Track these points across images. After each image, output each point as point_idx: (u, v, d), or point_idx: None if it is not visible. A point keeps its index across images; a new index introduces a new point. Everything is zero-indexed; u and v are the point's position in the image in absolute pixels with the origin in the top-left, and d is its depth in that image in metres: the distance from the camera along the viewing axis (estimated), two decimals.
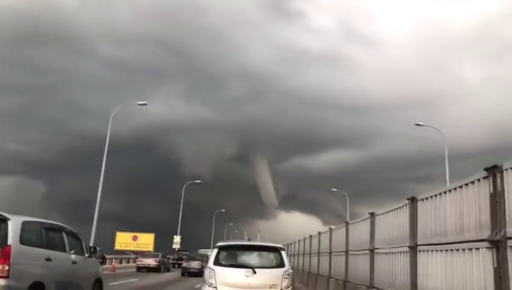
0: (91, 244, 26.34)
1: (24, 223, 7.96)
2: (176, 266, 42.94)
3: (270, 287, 9.13)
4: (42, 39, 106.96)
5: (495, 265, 4.70)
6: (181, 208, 59.53)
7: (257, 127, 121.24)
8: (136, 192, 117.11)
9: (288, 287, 9.29)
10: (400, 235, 8.18)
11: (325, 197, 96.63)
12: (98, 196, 31.15)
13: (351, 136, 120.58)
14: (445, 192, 6.30)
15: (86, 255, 10.27)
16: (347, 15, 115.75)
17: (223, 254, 9.70)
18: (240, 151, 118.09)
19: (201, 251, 45.42)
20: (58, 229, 9.39)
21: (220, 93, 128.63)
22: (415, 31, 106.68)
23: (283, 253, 9.78)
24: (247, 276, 9.06)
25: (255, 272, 9.11)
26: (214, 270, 9.25)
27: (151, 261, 35.36)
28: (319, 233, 18.95)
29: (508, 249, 4.56)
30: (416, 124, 33.51)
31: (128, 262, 47.69)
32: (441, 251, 6.21)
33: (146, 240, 63.45)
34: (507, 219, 4.63)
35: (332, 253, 15.16)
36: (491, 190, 4.90)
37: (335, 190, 59.68)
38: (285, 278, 9.27)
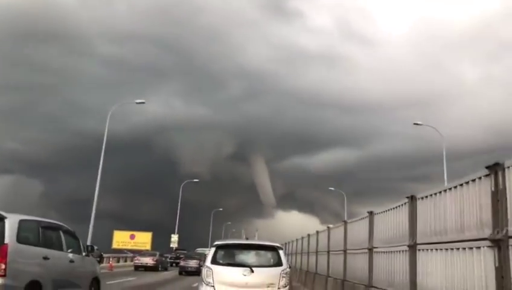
0: (88, 243, 26.30)
1: (21, 222, 7.92)
2: (174, 265, 42.91)
3: (268, 286, 9.12)
4: (41, 38, 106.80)
5: (496, 264, 4.65)
6: (179, 207, 59.50)
7: (255, 126, 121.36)
8: (134, 191, 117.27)
9: (285, 286, 9.28)
10: (399, 234, 8.15)
11: (323, 197, 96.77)
12: (95, 195, 31.09)
13: (349, 135, 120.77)
14: (445, 190, 6.24)
15: (84, 254, 10.24)
16: (345, 14, 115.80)
17: (221, 252, 9.70)
18: (238, 150, 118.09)
19: (199, 250, 45.40)
20: (55, 228, 9.34)
21: (219, 92, 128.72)
22: (413, 31, 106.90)
23: (281, 252, 9.79)
24: (245, 275, 9.06)
25: (252, 271, 9.11)
26: (211, 269, 9.23)
27: (148, 260, 35.31)
28: (317, 232, 18.92)
29: (510, 248, 4.52)
30: (414, 124, 33.56)
31: (125, 261, 47.61)
32: (441, 249, 6.17)
33: (143, 239, 63.41)
34: (509, 217, 4.58)
35: (331, 252, 15.13)
36: (493, 188, 4.85)
37: (332, 189, 59.77)
38: (283, 277, 9.27)
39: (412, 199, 7.55)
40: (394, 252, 8.33)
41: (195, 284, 15.93)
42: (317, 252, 18.32)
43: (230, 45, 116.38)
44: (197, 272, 26.81)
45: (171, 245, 59.94)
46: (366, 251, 10.18)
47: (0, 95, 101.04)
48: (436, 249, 6.35)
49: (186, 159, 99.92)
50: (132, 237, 64.19)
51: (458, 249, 5.61)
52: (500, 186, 4.72)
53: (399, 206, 8.27)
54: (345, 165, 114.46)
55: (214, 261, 9.41)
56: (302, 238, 23.62)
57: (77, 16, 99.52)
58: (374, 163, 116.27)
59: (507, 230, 4.56)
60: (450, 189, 6.07)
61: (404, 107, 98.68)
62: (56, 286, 8.52)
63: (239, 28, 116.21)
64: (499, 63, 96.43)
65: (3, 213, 7.72)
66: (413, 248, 7.31)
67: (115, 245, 62.12)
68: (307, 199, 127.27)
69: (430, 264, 6.55)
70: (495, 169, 4.82)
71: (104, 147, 31.87)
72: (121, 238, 63.90)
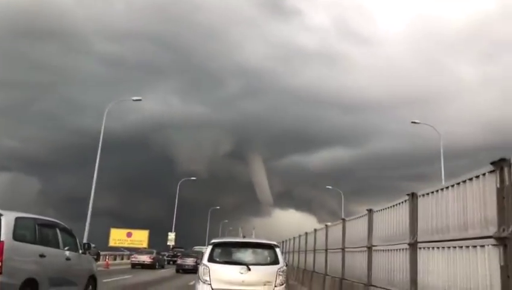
0: (85, 240, 26.19)
1: (17, 219, 7.85)
2: (171, 262, 42.85)
3: (264, 284, 9.15)
4: (38, 35, 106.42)
5: (502, 263, 4.55)
6: (176, 205, 59.41)
7: (253, 124, 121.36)
8: (131, 189, 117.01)
9: (282, 284, 9.32)
10: (399, 232, 8.08)
11: (320, 195, 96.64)
12: (91, 192, 31.00)
13: (347, 133, 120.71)
14: (447, 187, 6.14)
15: (80, 251, 10.18)
16: (343, 12, 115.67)
17: (218, 250, 9.72)
18: (236, 149, 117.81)
19: (196, 248, 45.39)
20: (52, 226, 9.28)
21: (216, 90, 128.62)
22: (411, 29, 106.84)
23: (277, 250, 9.82)
24: (242, 273, 9.09)
25: (249, 269, 9.14)
26: (208, 267, 9.25)
27: (145, 258, 35.26)
28: (315, 230, 18.85)
29: None
30: (412, 122, 33.55)
31: (122, 259, 47.55)
32: (443, 248, 6.08)
33: (140, 237, 63.34)
34: None
35: (329, 250, 15.06)
36: (498, 185, 4.74)
37: (330, 187, 59.73)
38: (280, 275, 9.31)
39: (413, 196, 7.47)
40: (394, 250, 8.26)
41: (192, 282, 15.84)
42: (315, 250, 18.25)
43: (228, 42, 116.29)
44: (194, 270, 26.76)
45: (168, 243, 59.88)
46: (365, 249, 10.11)
47: None
48: (438, 248, 6.27)
49: (184, 157, 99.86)
50: (129, 235, 64.11)
51: (461, 247, 5.51)
52: (506, 183, 4.61)
53: (399, 203, 8.20)
54: (343, 164, 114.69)
55: (211, 259, 9.43)
56: (300, 236, 23.56)
57: (74, 14, 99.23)
58: (372, 161, 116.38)
59: None
60: (452, 186, 5.96)
61: (402, 105, 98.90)
62: (52, 283, 8.45)
63: (237, 25, 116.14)
64: (496, 61, 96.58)
65: (0, 210, 7.64)
66: (413, 246, 7.24)
67: (111, 243, 62.04)
68: (305, 197, 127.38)
69: (432, 262, 6.47)
70: (500, 165, 4.70)
71: (100, 144, 31.80)
72: (118, 236, 63.83)
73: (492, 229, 4.80)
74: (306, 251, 20.81)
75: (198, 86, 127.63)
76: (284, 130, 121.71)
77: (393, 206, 8.56)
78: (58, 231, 9.31)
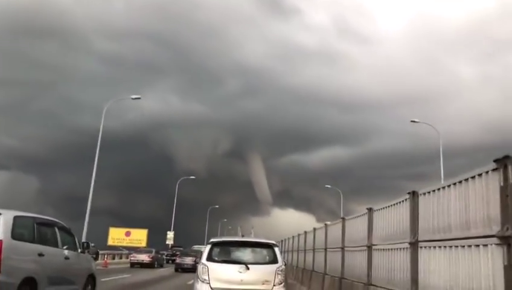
0: (83, 239, 26.14)
1: (16, 218, 7.83)
2: (170, 261, 42.83)
3: (263, 283, 9.17)
4: (38, 34, 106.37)
5: (505, 263, 4.48)
6: (175, 204, 59.46)
7: (252, 123, 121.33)
8: (130, 187, 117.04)
9: (281, 283, 9.33)
10: (400, 231, 8.03)
11: (319, 195, 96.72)
12: (90, 191, 30.95)
13: (347, 133, 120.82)
14: (449, 186, 6.08)
15: (79, 250, 10.15)
16: (343, 11, 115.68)
17: (216, 250, 9.73)
18: (235, 148, 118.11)
19: (195, 247, 45.36)
20: (50, 225, 9.25)
21: (216, 89, 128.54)
22: (411, 28, 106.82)
23: (276, 249, 9.83)
24: (240, 272, 9.10)
25: (248, 268, 9.16)
26: (207, 266, 9.25)
27: (144, 257, 35.25)
28: (314, 229, 18.81)
29: None
30: (412, 121, 33.55)
31: (120, 258, 47.49)
32: (445, 247, 6.02)
33: (139, 236, 63.29)
34: None
35: (328, 249, 15.02)
36: (502, 183, 4.67)
37: (329, 186, 59.73)
38: (278, 274, 9.32)
39: (414, 194, 7.41)
40: (394, 249, 8.22)
41: (191, 281, 15.78)
42: (314, 249, 18.21)
43: (227, 41, 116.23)
44: (192, 269, 26.71)
45: (167, 242, 59.92)
46: (365, 248, 10.07)
47: None
48: (440, 247, 6.21)
49: (183, 156, 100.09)
50: (128, 234, 64.06)
51: (463, 246, 5.45)
52: (510, 181, 4.55)
53: (400, 202, 8.15)
54: (342, 163, 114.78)
55: (210, 258, 9.45)
56: (299, 235, 23.51)
57: (74, 13, 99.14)
58: (371, 161, 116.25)
59: None
60: (454, 184, 5.90)
61: (402, 104, 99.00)
62: (51, 282, 8.43)
63: (236, 24, 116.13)
64: (496, 60, 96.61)
65: None
66: (414, 245, 7.19)
67: (110, 242, 62.00)
68: (304, 196, 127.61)
69: (433, 262, 6.42)
70: (504, 162, 4.64)
71: (99, 143, 31.77)
72: (117, 235, 63.79)
73: (495, 228, 4.74)
74: (305, 250, 20.77)
75: (198, 84, 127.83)
76: (284, 129, 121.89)
77: (394, 205, 8.51)
78: (57, 230, 9.28)
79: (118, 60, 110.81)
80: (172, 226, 60.61)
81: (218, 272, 9.17)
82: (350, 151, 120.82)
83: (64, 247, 9.37)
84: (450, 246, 5.85)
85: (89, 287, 10.56)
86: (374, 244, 9.62)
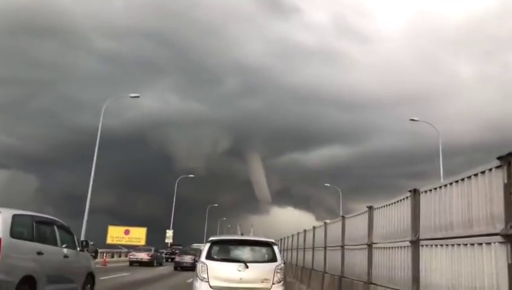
0: (82, 238, 26.09)
1: (14, 217, 7.80)
2: (169, 260, 42.82)
3: (262, 282, 9.18)
4: (37, 32, 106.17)
5: (509, 261, 4.42)
6: (174, 202, 59.44)
7: (252, 122, 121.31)
8: (129, 186, 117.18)
9: (280, 282, 9.34)
10: (401, 229, 7.99)
11: (319, 193, 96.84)
12: (89, 190, 30.89)
13: (346, 131, 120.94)
14: (450, 183, 6.01)
15: (78, 249, 10.12)
16: (342, 10, 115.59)
17: (216, 248, 9.74)
18: (234, 146, 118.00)
19: (195, 246, 45.34)
20: (49, 223, 9.22)
21: (215, 88, 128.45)
22: (410, 26, 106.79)
23: (275, 248, 9.84)
24: (239, 270, 9.11)
25: (247, 267, 9.16)
26: (206, 264, 9.25)
27: (144, 256, 35.25)
28: (314, 227, 18.78)
29: None
30: (411, 120, 33.51)
31: (119, 256, 47.44)
32: (446, 245, 5.97)
33: (138, 234, 63.24)
34: None
35: (328, 248, 14.98)
36: (505, 180, 4.60)
37: (328, 185, 59.74)
38: (277, 272, 9.33)
39: (415, 192, 7.36)
40: (395, 248, 8.17)
41: (190, 280, 15.76)
42: (313, 248, 18.18)
43: (226, 40, 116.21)
44: (192, 268, 26.70)
45: (166, 241, 59.91)
46: (365, 246, 10.03)
47: None
48: (441, 245, 6.16)
49: (182, 155, 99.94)
50: (127, 232, 64.00)
51: (466, 244, 5.39)
52: None
53: (400, 200, 8.10)
54: (342, 162, 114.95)
55: (209, 256, 9.45)
56: (298, 233, 23.48)
57: (73, 11, 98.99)
58: (370, 159, 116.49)
59: None
60: (456, 182, 5.83)
61: (402, 103, 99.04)
62: (50, 281, 8.40)
63: (235, 22, 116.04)
64: (495, 58, 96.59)
65: None
66: (415, 244, 7.14)
67: (109, 240, 61.97)
68: (303, 195, 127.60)
69: (435, 260, 6.37)
70: (508, 160, 4.57)
71: (98, 142, 31.69)
72: (116, 234, 63.73)
73: (499, 226, 4.67)
74: (305, 248, 20.74)
75: (197, 83, 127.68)
76: (283, 128, 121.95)
77: (395, 203, 8.47)
78: (56, 228, 9.26)
79: (117, 59, 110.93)
80: (171, 225, 60.65)
81: (217, 270, 9.18)
82: (350, 150, 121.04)
83: (63, 245, 9.35)
84: (452, 245, 5.79)
85: (88, 285, 10.54)
86: (374, 243, 9.58)
